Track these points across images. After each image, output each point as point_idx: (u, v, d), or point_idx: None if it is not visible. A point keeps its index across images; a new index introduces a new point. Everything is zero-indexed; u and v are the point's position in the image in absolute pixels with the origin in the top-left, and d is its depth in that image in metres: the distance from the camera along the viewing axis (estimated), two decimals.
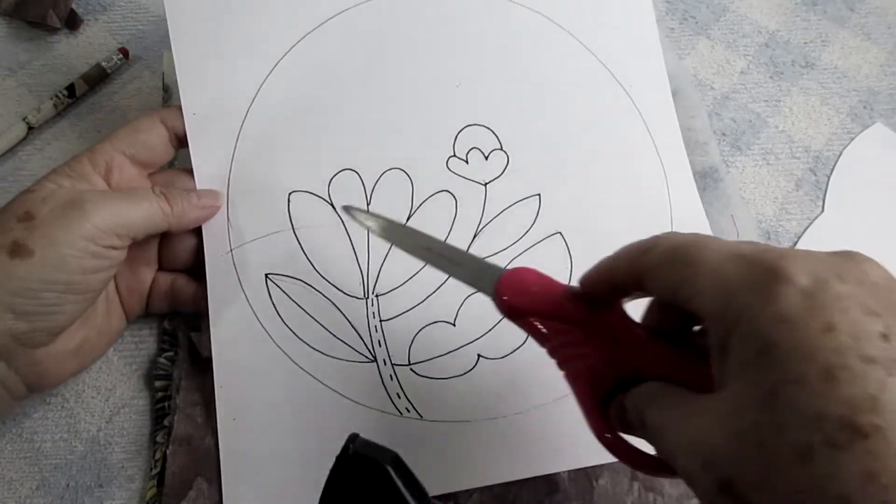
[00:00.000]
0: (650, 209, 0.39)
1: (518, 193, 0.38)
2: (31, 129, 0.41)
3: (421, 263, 0.36)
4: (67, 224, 0.29)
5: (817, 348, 0.17)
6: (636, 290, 0.24)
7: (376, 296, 0.36)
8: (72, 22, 0.44)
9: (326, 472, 0.33)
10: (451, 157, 0.38)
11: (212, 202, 0.35)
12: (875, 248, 0.43)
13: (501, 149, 0.38)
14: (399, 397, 0.35)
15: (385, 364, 0.35)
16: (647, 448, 0.24)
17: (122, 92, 0.43)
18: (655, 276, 0.22)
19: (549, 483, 0.35)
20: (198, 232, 0.35)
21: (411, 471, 0.25)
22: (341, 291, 0.36)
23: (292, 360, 0.35)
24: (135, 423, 0.36)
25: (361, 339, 0.35)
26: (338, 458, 0.25)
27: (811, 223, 0.42)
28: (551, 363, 0.35)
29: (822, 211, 0.43)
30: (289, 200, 0.36)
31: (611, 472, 0.35)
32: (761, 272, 0.19)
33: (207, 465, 0.34)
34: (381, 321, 0.36)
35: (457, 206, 0.37)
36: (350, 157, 0.37)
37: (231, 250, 0.35)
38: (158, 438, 0.35)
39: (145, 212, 0.31)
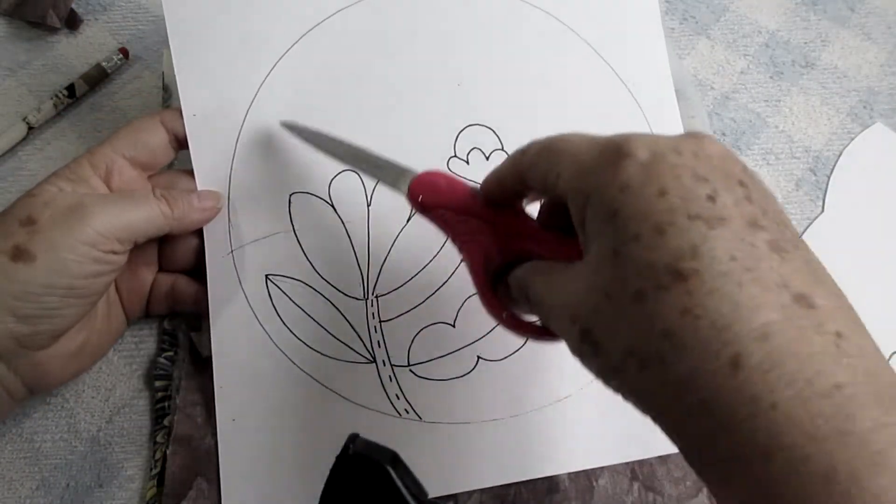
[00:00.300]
0: None
1: None
2: (31, 129, 0.41)
3: (422, 265, 0.36)
4: (69, 229, 0.29)
5: (652, 210, 0.20)
6: (522, 193, 0.27)
7: (376, 297, 0.36)
8: (72, 22, 0.44)
9: (325, 473, 0.33)
10: (451, 157, 0.38)
11: (213, 203, 0.35)
12: (875, 247, 0.43)
13: (503, 149, 0.38)
14: (398, 398, 0.35)
15: (384, 365, 0.35)
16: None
17: (122, 92, 0.43)
18: (531, 170, 0.25)
19: (549, 483, 0.35)
20: (198, 233, 0.35)
21: (411, 471, 0.25)
22: (341, 292, 0.36)
23: (292, 361, 0.35)
24: (135, 423, 0.36)
25: (361, 339, 0.35)
26: (338, 458, 0.25)
27: (811, 223, 0.42)
28: (551, 365, 0.35)
29: (822, 211, 0.43)
30: (289, 201, 0.36)
31: (611, 473, 0.35)
32: (609, 151, 0.22)
33: (207, 465, 0.34)
34: (380, 322, 0.36)
35: None
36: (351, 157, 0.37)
37: (231, 251, 0.35)
38: (158, 438, 0.35)
39: (146, 215, 0.31)
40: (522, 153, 0.26)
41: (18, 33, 0.44)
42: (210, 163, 0.36)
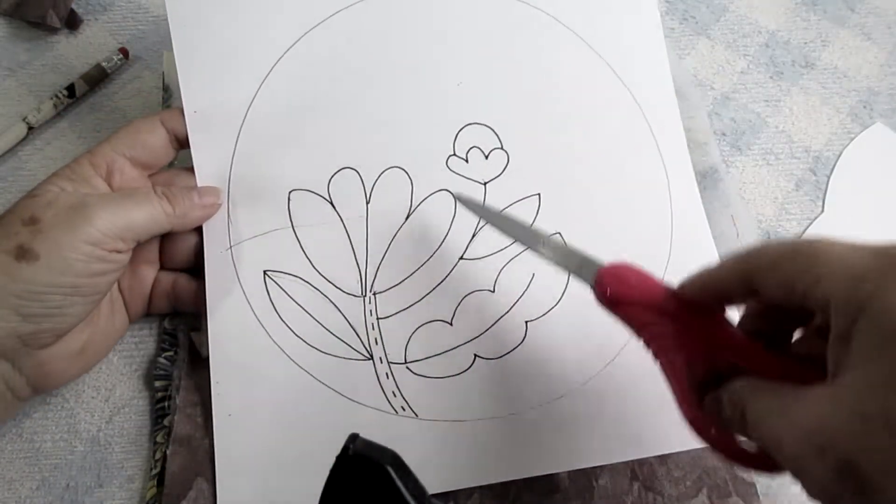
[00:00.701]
0: (651, 210, 0.39)
1: (518, 193, 0.38)
2: (31, 129, 0.41)
3: (420, 262, 0.36)
4: (72, 228, 0.29)
5: None
6: (742, 294, 0.24)
7: (374, 294, 0.36)
8: (72, 22, 0.44)
9: (321, 469, 0.33)
10: (451, 155, 0.38)
11: (213, 200, 0.35)
12: None
13: (502, 148, 0.38)
14: (395, 395, 0.35)
15: (381, 362, 0.35)
16: None
17: (122, 92, 0.43)
18: (771, 272, 0.23)
19: (549, 483, 0.35)
20: (198, 230, 0.35)
21: (411, 471, 0.25)
22: (339, 289, 0.36)
23: (289, 357, 0.35)
24: (135, 423, 0.36)
25: (358, 336, 0.35)
26: (338, 458, 0.25)
27: (811, 223, 0.42)
28: (547, 364, 0.35)
29: (822, 211, 0.43)
30: (289, 198, 0.36)
31: (611, 473, 0.35)
32: (891, 260, 0.19)
33: (207, 465, 0.34)
34: (378, 319, 0.36)
35: (456, 205, 0.37)
36: (350, 155, 0.37)
37: (230, 247, 0.35)
38: (158, 438, 0.35)
39: (148, 214, 0.32)
40: (755, 253, 0.24)
41: (18, 33, 0.44)
42: (210, 159, 0.36)
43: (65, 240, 0.29)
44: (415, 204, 0.37)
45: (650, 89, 0.41)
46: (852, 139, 0.45)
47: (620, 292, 0.27)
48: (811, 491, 0.20)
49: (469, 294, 0.36)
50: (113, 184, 0.33)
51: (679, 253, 0.38)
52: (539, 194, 0.38)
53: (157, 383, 0.36)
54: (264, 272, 0.35)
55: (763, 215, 0.43)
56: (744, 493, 0.35)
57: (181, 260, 0.36)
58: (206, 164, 0.36)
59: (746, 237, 0.40)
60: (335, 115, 0.37)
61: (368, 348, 0.35)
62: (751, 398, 0.23)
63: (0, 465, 0.35)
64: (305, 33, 0.37)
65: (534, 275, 0.37)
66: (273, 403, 0.34)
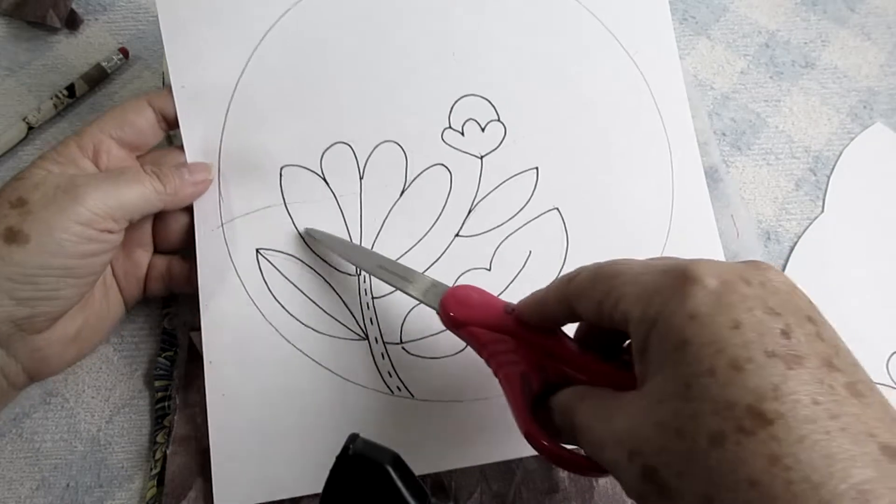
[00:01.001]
0: (651, 181, 0.38)
1: (515, 167, 0.37)
2: (31, 129, 0.41)
3: (415, 240, 0.36)
4: (62, 209, 0.29)
5: (726, 343, 0.19)
6: (566, 318, 0.26)
7: (369, 272, 0.35)
8: (72, 22, 0.44)
9: (317, 449, 0.34)
10: (446, 128, 0.37)
11: (204, 176, 0.34)
12: (875, 248, 0.43)
13: (498, 120, 0.37)
14: (391, 376, 0.35)
15: (377, 342, 0.35)
16: None
17: (122, 92, 0.43)
18: (582, 296, 0.24)
19: (549, 483, 0.35)
20: (189, 210, 0.35)
21: (411, 471, 0.25)
22: (333, 268, 0.35)
23: (283, 337, 0.34)
24: (135, 423, 0.36)
25: (353, 316, 0.35)
26: (338, 458, 0.25)
27: (811, 223, 0.42)
28: None
29: (822, 211, 0.43)
30: (281, 174, 0.35)
31: None
32: (674, 276, 0.21)
33: (207, 465, 0.34)
34: (373, 298, 0.35)
35: (452, 180, 0.36)
36: (342, 129, 0.36)
37: (222, 224, 0.35)
38: (158, 438, 0.35)
39: (139, 192, 0.31)
40: (569, 280, 0.25)
41: (18, 33, 0.44)
42: (200, 135, 0.35)
43: (55, 221, 0.28)
44: (409, 179, 0.36)
45: (653, 55, 0.39)
46: (852, 139, 0.45)
47: (462, 314, 0.28)
48: (627, 492, 0.21)
49: (465, 272, 0.36)
50: (100, 165, 0.33)
51: (679, 226, 0.38)
52: (537, 168, 0.37)
53: (157, 383, 0.36)
54: (257, 250, 0.35)
55: (763, 215, 0.43)
56: None
57: (174, 241, 0.35)
58: (196, 140, 0.35)
59: (746, 237, 0.40)
60: (326, 88, 0.36)
61: (364, 328, 0.35)
62: (578, 404, 0.24)
63: (0, 465, 0.35)
64: (295, 4, 0.36)
65: (530, 252, 0.36)
66: (267, 384, 0.34)
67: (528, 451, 0.34)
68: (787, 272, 0.41)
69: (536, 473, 0.35)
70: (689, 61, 0.47)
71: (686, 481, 0.19)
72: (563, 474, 0.35)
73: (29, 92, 0.43)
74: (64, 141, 0.32)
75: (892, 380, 0.38)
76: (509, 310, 0.28)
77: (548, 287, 0.27)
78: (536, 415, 0.26)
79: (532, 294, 0.27)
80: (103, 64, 0.43)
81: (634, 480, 0.20)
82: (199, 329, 0.36)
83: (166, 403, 0.35)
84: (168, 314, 0.37)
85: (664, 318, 0.20)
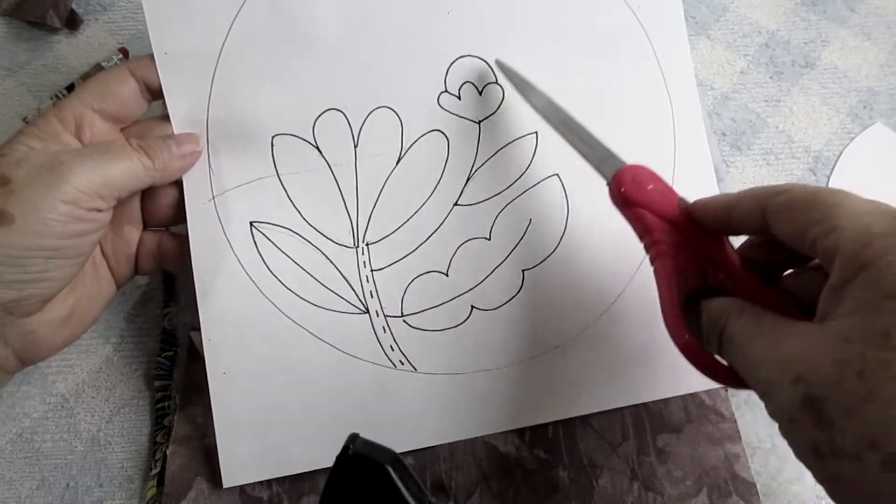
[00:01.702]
0: (653, 141, 0.37)
1: (514, 132, 0.36)
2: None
3: (413, 210, 0.35)
4: (48, 188, 0.28)
5: None
6: (753, 228, 0.26)
7: (367, 244, 0.35)
8: (72, 22, 0.44)
9: (321, 424, 0.34)
10: (442, 92, 0.36)
11: (192, 148, 0.33)
12: None
13: (496, 82, 0.36)
14: (392, 350, 0.34)
15: (378, 315, 0.35)
16: None
17: None
18: (785, 214, 0.24)
19: (549, 483, 0.35)
20: (179, 183, 0.34)
21: (411, 471, 0.25)
22: (330, 240, 0.35)
23: (282, 312, 0.34)
24: (135, 423, 0.36)
25: (353, 289, 0.35)
26: (338, 458, 0.25)
27: None
28: (545, 313, 0.35)
29: None
30: (272, 144, 0.34)
31: (611, 473, 0.35)
32: None
33: (207, 465, 0.34)
34: (372, 271, 0.35)
35: (449, 146, 0.35)
36: (334, 95, 0.35)
37: (213, 198, 0.34)
38: (158, 438, 0.35)
39: (126, 169, 0.30)
40: (775, 193, 0.24)
41: (18, 33, 0.44)
42: (185, 105, 0.34)
43: (41, 200, 0.27)
44: (405, 146, 0.35)
45: (655, 9, 0.38)
46: (852, 139, 0.45)
47: (635, 193, 0.28)
48: (773, 412, 0.22)
49: (465, 242, 0.35)
50: (83, 139, 0.31)
51: (680, 187, 0.37)
52: (536, 132, 0.36)
53: (157, 383, 0.36)
54: (251, 223, 0.34)
55: None
56: (744, 492, 0.35)
57: (164, 216, 0.34)
58: (182, 109, 0.33)
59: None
60: (315, 52, 0.34)
61: (364, 301, 0.35)
62: (736, 316, 0.24)
63: (0, 465, 0.35)
64: None
65: (531, 220, 0.36)
66: (268, 359, 0.33)
67: (529, 421, 0.35)
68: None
69: (536, 473, 0.35)
70: None
71: (854, 420, 0.19)
72: (562, 474, 0.35)
73: (29, 92, 0.43)
74: (43, 115, 0.31)
75: None
76: (683, 204, 0.28)
77: (740, 193, 0.26)
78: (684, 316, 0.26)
79: (717, 196, 0.27)
80: (103, 64, 0.43)
81: (790, 404, 0.20)
82: (199, 329, 0.36)
83: (166, 403, 0.36)
84: (168, 314, 0.37)
85: (882, 263, 0.20)
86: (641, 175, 0.28)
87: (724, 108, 0.45)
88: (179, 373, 0.36)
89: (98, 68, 0.42)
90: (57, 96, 0.41)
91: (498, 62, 0.35)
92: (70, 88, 0.42)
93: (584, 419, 0.36)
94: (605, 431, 0.36)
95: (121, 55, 0.43)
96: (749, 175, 0.44)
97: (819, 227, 0.22)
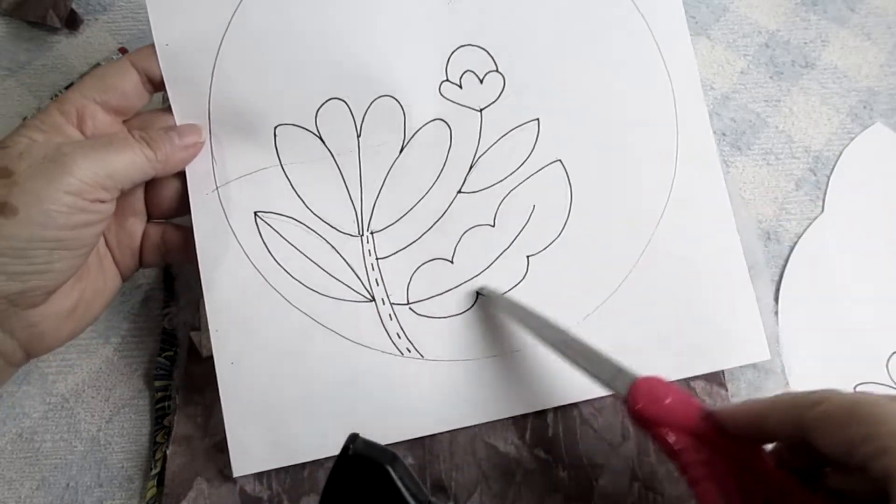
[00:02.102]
0: (656, 132, 0.37)
1: (515, 119, 0.36)
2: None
3: (417, 198, 0.35)
4: (50, 179, 0.27)
5: None
6: (790, 439, 0.24)
7: (371, 233, 0.35)
8: (72, 22, 0.44)
9: (330, 412, 0.34)
10: (443, 81, 0.36)
11: (195, 139, 0.33)
12: (875, 248, 0.43)
13: (497, 70, 0.36)
14: (399, 337, 0.34)
15: (384, 304, 0.35)
16: None
17: None
18: (825, 429, 0.23)
19: (549, 483, 0.35)
20: (182, 174, 0.34)
21: (411, 471, 0.25)
22: (335, 229, 0.35)
23: (289, 302, 0.34)
24: (135, 423, 0.36)
25: (358, 278, 0.35)
26: (338, 458, 0.25)
27: (811, 223, 0.42)
28: (550, 299, 0.35)
29: (822, 211, 0.43)
30: (275, 134, 0.34)
31: (611, 472, 0.35)
32: None
33: (207, 465, 0.34)
34: (377, 259, 0.35)
35: (451, 135, 0.36)
36: (336, 85, 0.34)
37: (217, 188, 0.34)
38: (158, 438, 0.35)
39: (129, 160, 0.30)
40: (809, 406, 0.23)
41: (18, 33, 0.44)
42: (188, 96, 0.34)
43: (44, 191, 0.27)
44: (408, 135, 0.35)
45: (660, 8, 0.38)
46: (852, 139, 0.45)
47: (653, 410, 0.26)
48: None
49: (469, 230, 0.35)
50: (86, 131, 0.31)
51: (683, 182, 0.37)
52: (538, 120, 0.36)
53: (157, 383, 0.36)
54: (255, 213, 0.34)
55: (763, 215, 0.43)
56: None
57: (167, 207, 0.34)
58: (184, 101, 0.34)
59: (746, 237, 0.40)
60: (317, 41, 0.34)
61: (370, 289, 0.35)
62: None
63: (0, 465, 0.35)
64: None
65: (534, 206, 0.36)
66: (276, 348, 0.34)
67: (537, 406, 0.35)
68: (786, 272, 0.41)
69: (536, 473, 0.35)
70: None
71: None
72: (562, 474, 0.35)
73: (29, 92, 0.43)
74: (46, 108, 0.31)
75: (892, 380, 0.38)
76: (706, 413, 0.26)
77: (771, 402, 0.25)
78: None
79: (742, 403, 0.26)
80: (103, 64, 0.43)
81: None
82: (199, 329, 0.36)
83: (166, 403, 0.36)
84: (168, 314, 0.37)
85: None
86: (657, 388, 0.27)
87: (724, 108, 0.45)
88: (179, 373, 0.36)
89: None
90: (57, 96, 0.41)
91: (483, 290, 0.35)
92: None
93: (584, 419, 0.36)
94: (605, 431, 0.36)
95: (121, 55, 0.43)
96: (749, 175, 0.44)
97: (866, 446, 0.21)
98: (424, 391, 0.34)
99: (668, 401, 0.26)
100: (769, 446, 0.27)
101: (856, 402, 0.22)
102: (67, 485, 0.34)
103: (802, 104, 0.46)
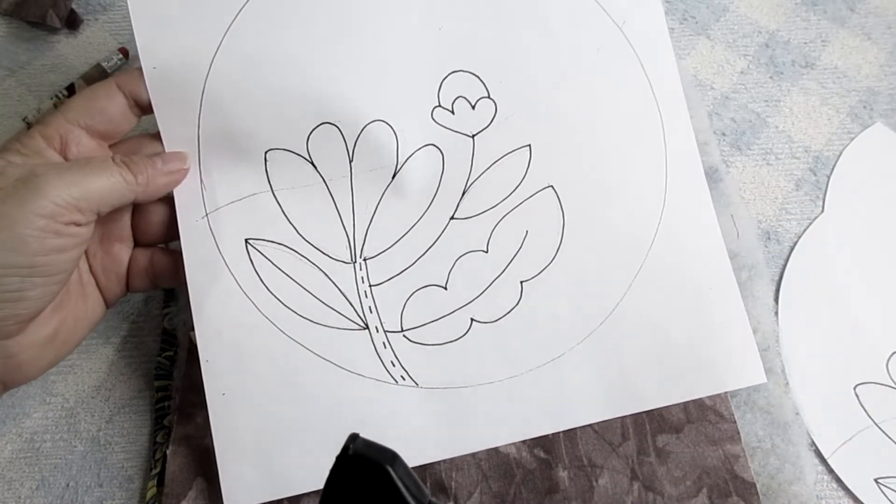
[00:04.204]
0: (645, 155, 0.37)
1: (507, 145, 0.36)
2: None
3: (410, 224, 0.35)
4: (21, 202, 0.26)
5: None
6: None
7: (364, 259, 0.35)
8: (72, 22, 0.44)
9: (324, 443, 0.33)
10: (435, 107, 0.36)
11: (179, 165, 0.32)
12: (875, 248, 0.43)
13: (489, 96, 0.36)
14: (394, 365, 0.34)
15: (377, 331, 0.34)
16: None
17: None
18: None
19: (549, 483, 0.35)
20: (170, 200, 0.33)
21: (411, 471, 0.25)
22: (327, 256, 0.35)
23: (281, 330, 0.34)
24: (135, 423, 0.36)
25: (351, 305, 0.35)
26: (338, 458, 0.25)
27: (811, 223, 0.42)
28: (545, 324, 0.36)
29: (822, 211, 0.43)
30: (266, 159, 0.34)
31: (611, 472, 0.35)
32: None
33: (207, 465, 0.34)
34: (370, 286, 0.35)
35: (444, 161, 0.36)
36: (328, 109, 0.34)
37: (207, 215, 0.34)
38: (158, 438, 0.35)
39: (107, 182, 0.29)
40: None
41: (18, 33, 0.44)
42: (176, 120, 0.33)
43: (15, 214, 0.26)
44: (401, 160, 0.35)
45: (641, 25, 0.38)
46: (852, 139, 0.45)
47: None
48: None
49: (462, 256, 0.35)
50: (69, 156, 0.30)
51: (673, 205, 0.37)
52: (529, 145, 0.36)
53: (157, 383, 0.36)
54: (246, 240, 0.34)
55: (763, 215, 0.43)
56: (744, 493, 0.35)
57: (155, 233, 0.33)
58: (172, 125, 0.33)
59: (746, 237, 0.40)
60: (308, 65, 0.34)
61: (363, 317, 0.35)
62: None
63: (0, 465, 0.35)
64: None
65: (527, 232, 0.36)
66: (268, 379, 0.33)
67: (534, 432, 0.35)
68: (786, 272, 0.41)
69: (536, 473, 0.35)
70: (689, 61, 0.47)
71: None
72: (562, 474, 0.35)
73: (29, 92, 0.43)
74: (28, 131, 0.30)
75: (892, 380, 0.38)
76: None
77: None
78: None
79: None
80: (103, 64, 0.43)
81: None
82: None
83: (166, 403, 0.36)
84: (168, 314, 0.37)
85: None
86: None
87: (724, 108, 0.45)
88: (179, 373, 0.36)
89: (98, 68, 0.43)
90: (57, 96, 0.41)
91: None
92: (70, 88, 0.42)
93: None
94: (605, 431, 0.36)
95: (121, 55, 0.43)
96: (749, 175, 0.44)
97: None
98: (420, 419, 0.34)
99: None
100: None
101: None
102: (67, 485, 0.34)
103: (802, 104, 0.46)
